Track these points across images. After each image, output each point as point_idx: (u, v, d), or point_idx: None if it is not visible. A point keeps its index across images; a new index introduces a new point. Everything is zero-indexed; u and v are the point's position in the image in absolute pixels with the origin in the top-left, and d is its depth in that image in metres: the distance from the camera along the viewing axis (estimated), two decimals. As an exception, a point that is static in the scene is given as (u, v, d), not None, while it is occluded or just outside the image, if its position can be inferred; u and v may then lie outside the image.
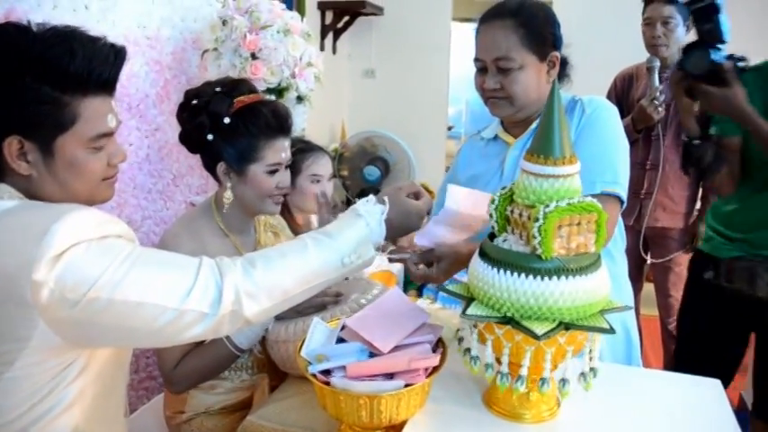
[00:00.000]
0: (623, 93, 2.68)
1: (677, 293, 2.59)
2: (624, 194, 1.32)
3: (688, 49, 1.57)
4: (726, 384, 1.51)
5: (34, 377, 0.90)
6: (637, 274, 2.71)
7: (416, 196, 1.16)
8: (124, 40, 2.01)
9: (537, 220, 0.95)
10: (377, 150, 4.38)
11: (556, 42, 1.36)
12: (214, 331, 0.95)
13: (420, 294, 3.06)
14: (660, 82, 2.43)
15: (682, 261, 2.57)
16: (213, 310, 0.92)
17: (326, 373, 1.05)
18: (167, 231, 1.46)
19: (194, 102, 1.41)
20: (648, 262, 2.70)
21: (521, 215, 1.01)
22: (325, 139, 4.84)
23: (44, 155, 0.93)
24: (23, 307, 0.84)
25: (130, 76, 2.05)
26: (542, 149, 0.98)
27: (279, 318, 1.36)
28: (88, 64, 0.92)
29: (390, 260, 1.13)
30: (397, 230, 1.12)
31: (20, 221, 0.87)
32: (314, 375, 1.04)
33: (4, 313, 0.85)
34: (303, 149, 1.95)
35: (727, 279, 1.83)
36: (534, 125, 1.37)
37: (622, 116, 2.53)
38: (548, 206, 0.95)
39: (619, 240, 1.45)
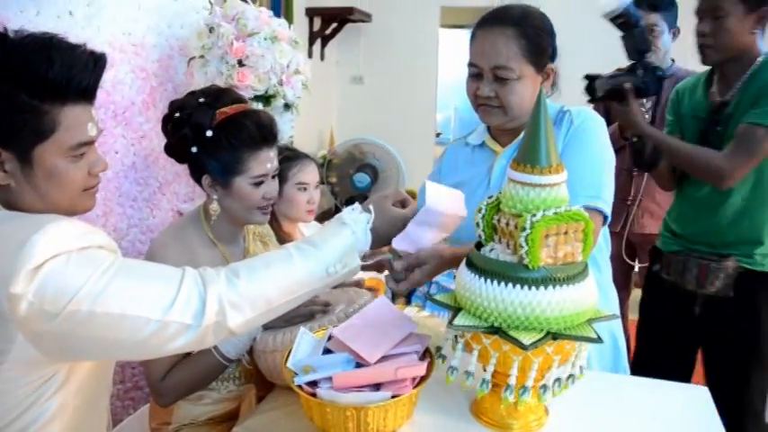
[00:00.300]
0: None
1: None
2: (607, 209, 1.31)
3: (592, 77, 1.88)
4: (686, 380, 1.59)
5: (13, 392, 0.88)
6: (624, 281, 2.71)
7: (402, 204, 1.16)
8: (109, 47, 2.00)
9: (524, 229, 0.95)
10: (365, 157, 4.38)
11: (553, 54, 1.36)
12: (198, 342, 0.93)
13: (408, 302, 3.04)
14: None
15: None
16: (197, 321, 0.90)
17: (313, 384, 1.04)
18: (155, 241, 1.44)
19: (177, 114, 1.39)
20: (636, 269, 2.71)
21: (507, 224, 1.01)
22: (313, 145, 4.84)
23: (22, 164, 0.91)
24: (1, 321, 0.82)
25: (116, 84, 2.03)
26: (529, 158, 0.98)
27: (267, 327, 1.35)
28: (67, 72, 0.90)
29: (364, 268, 1.11)
30: (383, 239, 1.11)
31: None
32: (300, 387, 1.03)
33: None
34: (289, 157, 1.94)
35: (666, 272, 1.98)
36: (522, 134, 1.37)
37: (609, 122, 2.55)
38: (534, 215, 0.95)
39: (604, 248, 1.46)
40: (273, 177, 1.45)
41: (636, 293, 2.91)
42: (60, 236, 0.85)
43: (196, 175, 1.43)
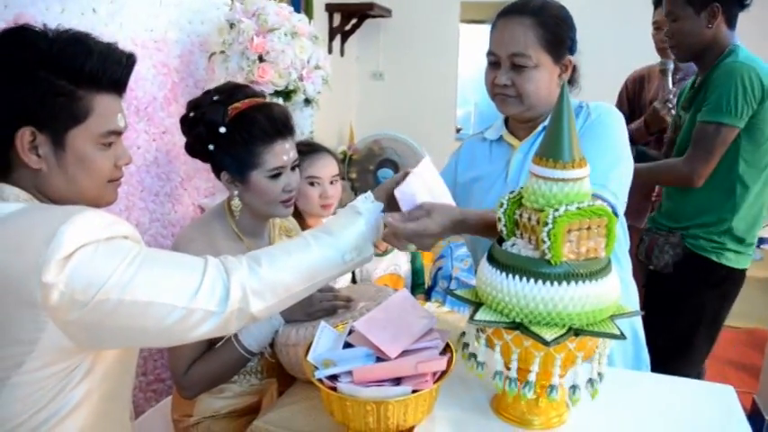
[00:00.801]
0: (634, 95, 2.64)
1: None
2: (613, 199, 1.26)
3: None
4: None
5: (41, 380, 0.90)
6: (644, 277, 2.68)
7: None
8: (132, 43, 2.02)
9: (546, 224, 0.94)
10: (384, 153, 4.38)
11: (572, 47, 1.35)
12: (222, 329, 0.96)
13: (428, 298, 3.04)
14: (673, 84, 2.40)
15: None
16: (221, 308, 0.94)
17: (333, 378, 1.04)
18: (181, 235, 1.45)
19: (192, 113, 1.40)
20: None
21: (530, 219, 1.00)
22: (333, 141, 4.84)
23: (55, 148, 0.95)
24: (32, 309, 0.84)
25: (138, 79, 2.05)
26: (552, 153, 0.97)
27: (289, 321, 1.36)
28: (103, 62, 0.96)
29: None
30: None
31: (26, 224, 0.87)
32: (320, 381, 1.03)
33: (12, 315, 0.85)
34: (302, 151, 1.94)
35: (638, 251, 2.07)
36: (540, 128, 1.36)
37: (633, 118, 2.53)
38: (557, 210, 0.94)
39: (623, 242, 1.44)
40: (293, 170, 1.44)
41: None
42: (88, 226, 0.87)
43: (216, 173, 1.44)
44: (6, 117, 0.93)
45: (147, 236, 2.16)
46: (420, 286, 3.12)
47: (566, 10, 1.37)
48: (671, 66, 2.40)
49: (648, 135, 2.47)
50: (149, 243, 2.17)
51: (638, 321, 1.48)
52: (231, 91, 1.42)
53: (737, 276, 1.93)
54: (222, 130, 1.35)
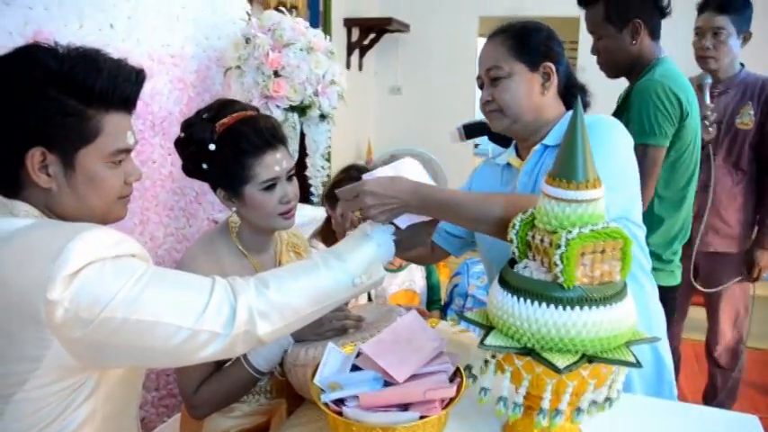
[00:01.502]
0: None
1: (728, 325, 2.46)
2: (638, 231, 1.27)
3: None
4: None
5: (45, 398, 0.89)
6: (682, 300, 2.53)
7: None
8: (148, 59, 2.03)
9: (559, 246, 0.91)
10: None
11: (551, 55, 1.34)
12: (228, 351, 0.95)
13: (444, 315, 3.01)
14: (711, 99, 2.30)
15: (733, 288, 2.43)
16: (227, 329, 0.93)
17: (339, 401, 1.02)
18: (186, 253, 1.44)
19: (182, 134, 1.39)
20: (701, 289, 2.52)
21: (542, 241, 0.97)
22: (351, 155, 4.85)
23: (65, 167, 0.95)
24: (37, 326, 0.84)
25: (154, 94, 2.06)
26: (565, 173, 0.94)
27: (298, 340, 1.34)
28: (113, 80, 0.96)
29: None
30: (405, 250, 1.16)
31: (34, 240, 0.87)
32: (326, 404, 1.00)
33: (18, 332, 0.85)
34: (352, 177, 1.91)
35: None
36: (538, 147, 1.33)
37: None
38: (570, 232, 0.91)
39: (644, 261, 1.39)
40: (290, 180, 1.43)
41: (693, 311, 2.74)
42: (95, 244, 0.86)
43: (214, 191, 1.43)
44: (17, 137, 0.92)
45: (161, 250, 2.16)
46: (436, 302, 3.08)
47: (542, 24, 1.39)
48: (708, 80, 2.30)
49: None
50: (163, 258, 2.17)
51: (663, 345, 1.42)
52: (219, 108, 1.41)
53: (662, 293, 1.84)
54: (212, 147, 1.34)
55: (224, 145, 1.35)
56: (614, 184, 1.20)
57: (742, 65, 2.39)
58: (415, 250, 1.17)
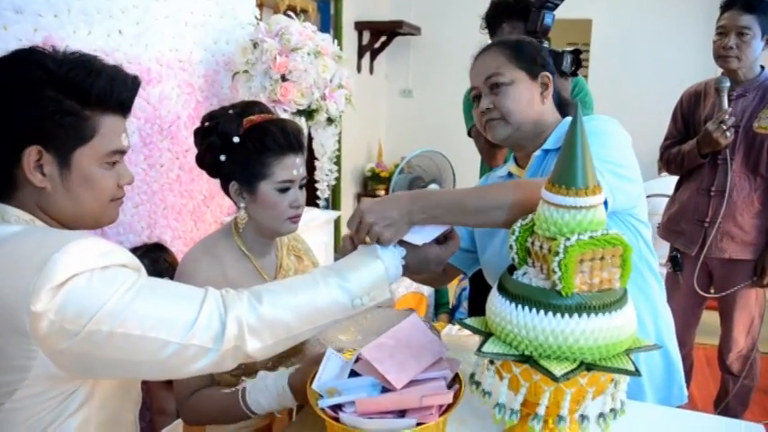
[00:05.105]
0: (689, 111, 2.47)
1: (741, 332, 2.41)
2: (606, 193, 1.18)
3: None
4: None
5: (35, 408, 0.89)
6: (695, 306, 2.52)
7: (446, 238, 1.13)
8: (157, 63, 2.04)
9: (557, 253, 0.90)
10: (414, 171, 4.35)
11: (546, 66, 1.35)
12: (217, 365, 0.93)
13: (452, 318, 3.00)
14: (729, 103, 2.25)
15: (748, 295, 2.37)
16: (216, 345, 0.90)
17: (338, 406, 1.01)
18: (187, 255, 1.45)
19: (206, 123, 1.42)
20: (710, 296, 2.49)
21: (541, 248, 0.96)
22: (361, 158, 4.85)
23: (61, 167, 0.96)
24: (22, 337, 0.83)
25: (162, 99, 2.07)
26: (564, 179, 0.93)
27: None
28: (110, 83, 0.98)
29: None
30: (413, 273, 1.11)
31: (21, 249, 0.87)
32: (323, 410, 1.00)
33: (4, 343, 0.84)
34: None
35: None
36: (538, 153, 1.32)
37: (689, 137, 2.42)
38: (569, 239, 0.90)
39: (651, 259, 1.36)
40: (301, 188, 1.44)
41: (706, 315, 2.67)
42: (83, 254, 0.86)
43: (225, 184, 1.44)
44: (14, 136, 0.93)
45: (169, 253, 2.17)
46: (444, 306, 3.08)
47: (532, 39, 1.42)
48: (726, 83, 2.24)
49: (701, 157, 2.32)
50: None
51: (672, 345, 1.40)
52: (245, 106, 1.45)
53: None
54: (236, 139, 1.37)
55: (249, 139, 1.37)
56: (626, 174, 1.20)
57: (762, 67, 2.32)
58: (426, 272, 1.13)
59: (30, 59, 0.94)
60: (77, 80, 0.95)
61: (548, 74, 1.34)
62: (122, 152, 1.03)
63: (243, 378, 1.31)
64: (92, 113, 0.97)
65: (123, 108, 1.02)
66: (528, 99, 1.32)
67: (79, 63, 0.96)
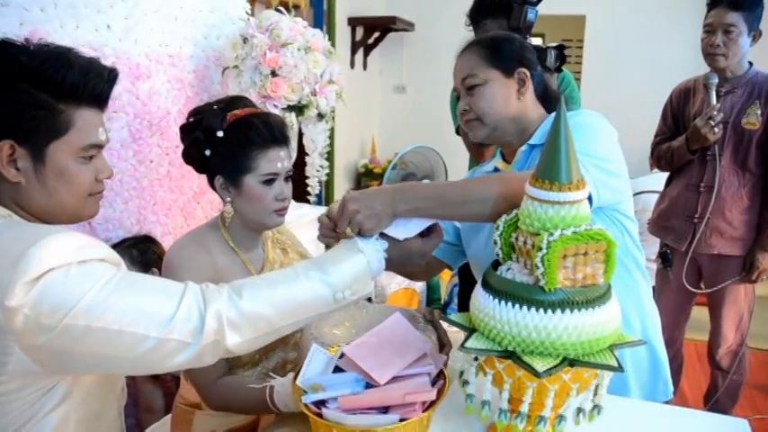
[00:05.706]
0: (679, 108, 2.49)
1: (730, 328, 2.42)
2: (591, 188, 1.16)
3: None
4: None
5: (12, 404, 0.88)
6: (684, 302, 2.53)
7: (429, 231, 1.12)
8: (146, 59, 2.03)
9: (540, 249, 0.90)
10: (407, 167, 4.34)
11: (524, 62, 1.35)
12: (197, 360, 0.92)
13: (444, 314, 2.99)
14: (717, 100, 2.26)
15: (737, 291, 2.39)
16: (195, 339, 0.89)
17: (322, 402, 1.01)
18: (174, 245, 1.43)
19: (191, 119, 1.42)
20: (700, 291, 2.50)
21: (525, 243, 0.96)
22: (355, 154, 4.84)
23: (35, 162, 0.95)
24: None
25: (152, 94, 2.06)
26: (548, 174, 0.93)
27: None
28: (84, 76, 0.96)
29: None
30: (396, 267, 1.10)
31: None
32: (306, 405, 1.00)
33: None
34: None
35: None
36: (524, 147, 1.32)
37: (679, 133, 2.43)
38: (552, 234, 0.90)
39: (637, 255, 1.37)
40: (287, 180, 1.44)
41: (696, 311, 2.68)
42: (59, 249, 0.85)
43: (211, 179, 1.45)
44: None
45: (159, 249, 2.16)
46: (436, 302, 3.08)
47: (513, 35, 1.41)
48: (715, 80, 2.26)
49: (690, 153, 2.34)
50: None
51: (657, 340, 1.40)
52: (230, 101, 1.46)
53: None
54: (220, 134, 1.37)
55: (233, 133, 1.37)
56: (611, 168, 1.19)
57: (750, 63, 2.34)
58: (409, 266, 1.12)
59: (1, 52, 0.93)
60: (50, 73, 0.93)
61: (524, 70, 1.33)
62: (99, 146, 1.01)
63: (270, 373, 1.32)
64: (66, 107, 0.95)
65: (99, 101, 1.00)
66: (503, 97, 1.33)
67: (52, 55, 0.94)
